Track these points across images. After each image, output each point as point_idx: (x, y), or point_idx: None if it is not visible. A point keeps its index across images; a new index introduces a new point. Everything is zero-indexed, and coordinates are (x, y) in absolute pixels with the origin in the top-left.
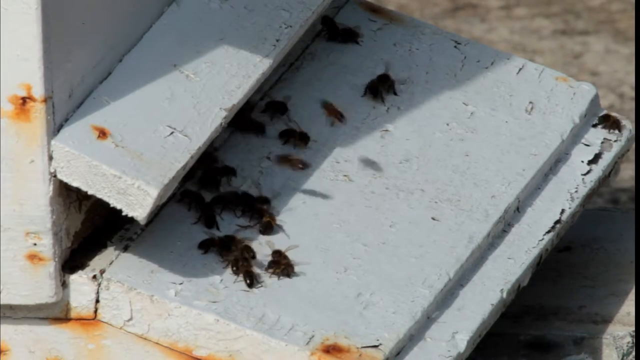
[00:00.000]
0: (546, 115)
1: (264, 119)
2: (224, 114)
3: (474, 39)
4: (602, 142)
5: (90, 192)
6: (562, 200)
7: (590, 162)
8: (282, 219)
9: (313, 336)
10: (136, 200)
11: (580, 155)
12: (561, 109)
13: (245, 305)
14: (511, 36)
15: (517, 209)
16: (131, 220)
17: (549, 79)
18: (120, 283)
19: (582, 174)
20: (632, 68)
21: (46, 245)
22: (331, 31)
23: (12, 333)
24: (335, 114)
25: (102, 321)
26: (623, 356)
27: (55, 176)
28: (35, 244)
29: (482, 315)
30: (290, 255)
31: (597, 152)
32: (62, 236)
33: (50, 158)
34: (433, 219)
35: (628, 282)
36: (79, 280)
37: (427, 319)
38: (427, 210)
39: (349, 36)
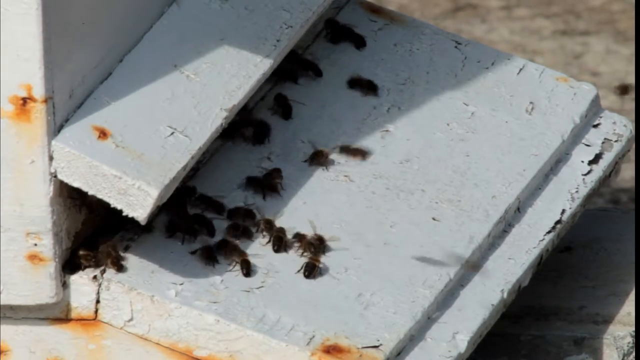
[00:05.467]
0: (547, 116)
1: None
2: (224, 114)
3: (474, 40)
4: (603, 142)
5: (90, 193)
6: (562, 201)
7: (590, 162)
8: (282, 219)
9: (313, 336)
10: (137, 200)
11: (581, 155)
12: (562, 109)
13: (245, 305)
14: (511, 36)
15: (518, 209)
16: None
17: (550, 79)
18: (121, 283)
19: (583, 174)
20: (632, 68)
21: (46, 245)
22: (334, 34)
23: (13, 333)
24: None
25: (103, 321)
26: (623, 356)
27: (55, 176)
28: (35, 245)
29: (482, 315)
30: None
31: (597, 152)
32: (63, 236)
33: (51, 158)
34: (433, 219)
35: (628, 282)
36: (80, 281)
37: (428, 319)
38: (428, 210)
39: (354, 39)
